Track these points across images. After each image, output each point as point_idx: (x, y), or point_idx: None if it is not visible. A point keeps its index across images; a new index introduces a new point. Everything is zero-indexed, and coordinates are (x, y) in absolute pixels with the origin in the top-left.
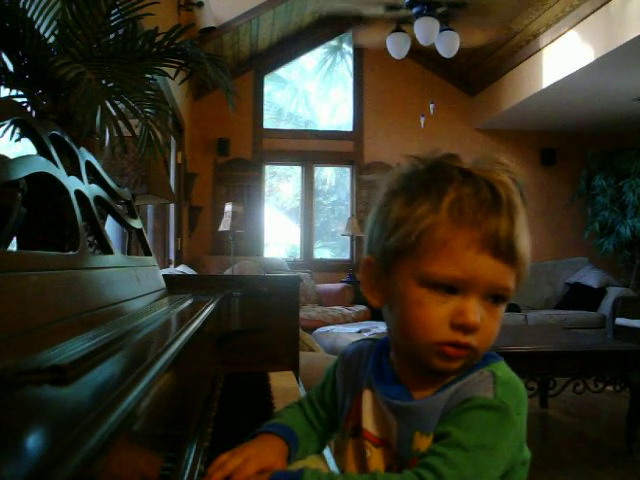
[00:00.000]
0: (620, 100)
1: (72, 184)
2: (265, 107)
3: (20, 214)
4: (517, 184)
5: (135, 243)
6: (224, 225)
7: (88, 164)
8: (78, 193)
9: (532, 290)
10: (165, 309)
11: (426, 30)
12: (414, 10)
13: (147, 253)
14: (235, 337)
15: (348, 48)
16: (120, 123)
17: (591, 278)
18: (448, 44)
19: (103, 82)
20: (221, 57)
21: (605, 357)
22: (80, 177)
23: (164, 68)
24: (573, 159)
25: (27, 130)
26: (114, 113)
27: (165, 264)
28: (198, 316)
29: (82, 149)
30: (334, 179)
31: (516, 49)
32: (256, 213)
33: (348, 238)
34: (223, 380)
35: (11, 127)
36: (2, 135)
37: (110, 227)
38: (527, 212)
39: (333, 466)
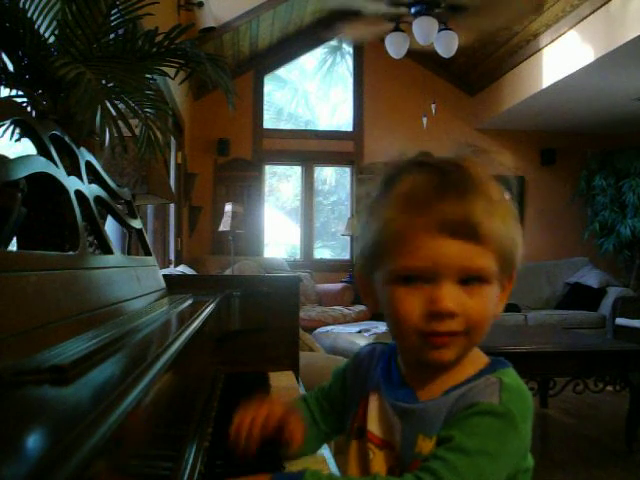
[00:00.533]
0: (620, 100)
1: (72, 184)
2: (265, 107)
3: (20, 214)
4: (495, 167)
5: (135, 243)
6: (224, 225)
7: (88, 164)
8: (78, 193)
9: (532, 290)
10: (165, 309)
11: (424, 30)
12: (412, 10)
13: (147, 253)
14: (235, 337)
15: (348, 48)
16: (120, 123)
17: (591, 278)
18: (447, 44)
19: (103, 82)
20: (221, 57)
21: (605, 357)
22: (80, 177)
23: (164, 68)
24: (573, 159)
25: (27, 130)
26: (114, 113)
27: (165, 264)
28: (198, 316)
29: (82, 149)
30: (334, 179)
31: (516, 49)
32: (256, 213)
33: (348, 238)
34: (223, 380)
35: (11, 127)
36: (2, 135)
37: (110, 227)
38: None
39: (333, 466)
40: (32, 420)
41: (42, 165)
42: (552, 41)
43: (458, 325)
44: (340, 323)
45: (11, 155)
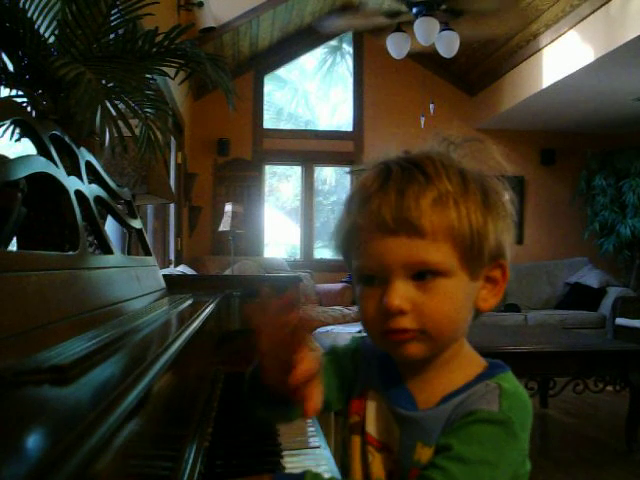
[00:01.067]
0: (620, 100)
1: (72, 184)
2: (265, 107)
3: (20, 214)
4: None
5: (135, 243)
6: (224, 225)
7: (88, 164)
8: (78, 193)
9: (532, 290)
10: (165, 309)
11: (426, 30)
12: (414, 10)
13: (147, 253)
14: (235, 337)
15: (348, 48)
16: (120, 123)
17: (591, 278)
18: (448, 44)
19: (103, 82)
20: (221, 57)
21: (605, 357)
22: (80, 177)
23: (164, 68)
24: (573, 159)
25: (27, 130)
26: (114, 113)
27: (165, 264)
28: (198, 316)
29: (82, 149)
30: (334, 179)
31: (516, 49)
32: (256, 213)
33: None
34: (223, 380)
35: (11, 127)
36: (2, 135)
37: (110, 227)
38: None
39: (333, 466)
40: (32, 420)
41: (42, 165)
42: (552, 41)
43: (410, 322)
44: (340, 323)
45: (11, 155)
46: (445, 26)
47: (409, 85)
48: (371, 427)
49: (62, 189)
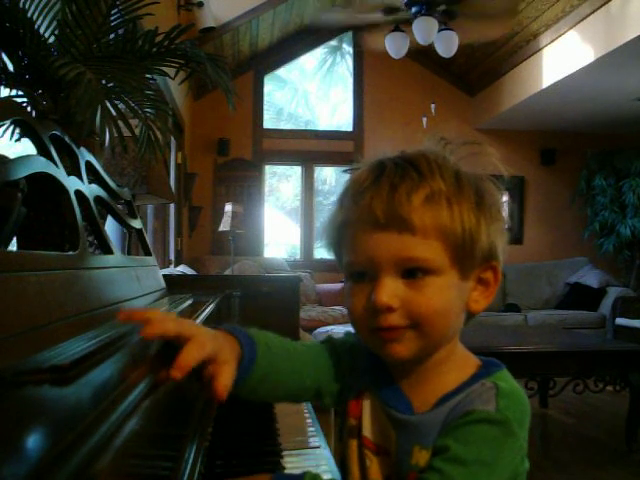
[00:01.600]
0: (620, 100)
1: (72, 184)
2: (265, 107)
3: (20, 214)
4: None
5: (135, 243)
6: (224, 225)
7: (88, 164)
8: (78, 193)
9: (532, 290)
10: (165, 309)
11: (425, 30)
12: (412, 10)
13: (147, 253)
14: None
15: (348, 48)
16: (120, 123)
17: (591, 278)
18: (447, 44)
19: (103, 82)
20: (221, 57)
21: (605, 357)
22: (80, 177)
23: (164, 68)
24: (573, 159)
25: (27, 130)
26: (114, 113)
27: (165, 264)
28: (198, 316)
29: (82, 149)
30: (334, 179)
31: (516, 49)
32: (256, 213)
33: None
34: None
35: (11, 127)
36: (2, 135)
37: (110, 227)
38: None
39: (333, 466)
40: (32, 420)
41: (42, 165)
42: (552, 41)
43: (400, 319)
44: (340, 323)
45: (11, 155)
46: (444, 26)
47: (409, 85)
48: (368, 431)
49: (62, 189)
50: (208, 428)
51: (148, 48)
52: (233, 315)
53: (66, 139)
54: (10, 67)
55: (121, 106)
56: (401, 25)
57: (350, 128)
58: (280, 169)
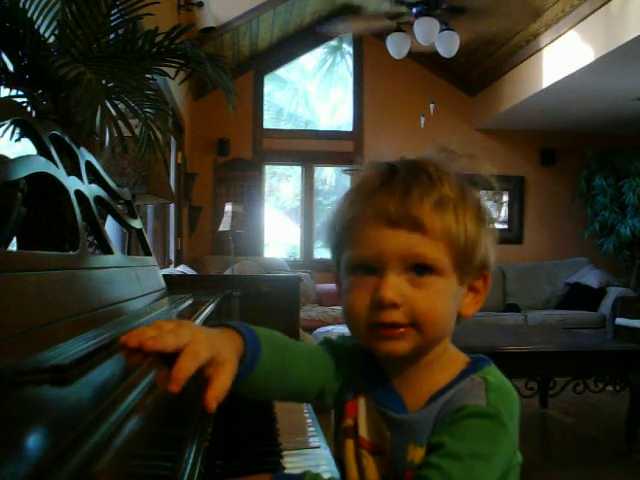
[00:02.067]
0: (620, 100)
1: (72, 184)
2: (265, 107)
3: (20, 214)
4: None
5: (135, 243)
6: (224, 225)
7: (88, 164)
8: (78, 193)
9: (532, 290)
10: (165, 309)
11: (426, 30)
12: (414, 10)
13: (147, 253)
14: None
15: (348, 48)
16: (120, 123)
17: (591, 278)
18: (448, 44)
19: (103, 82)
20: (221, 57)
21: (605, 357)
22: (80, 177)
23: (164, 68)
24: (573, 159)
25: (27, 130)
26: (114, 113)
27: (165, 264)
28: (198, 316)
29: (82, 149)
30: (334, 179)
31: (516, 49)
32: (256, 213)
33: None
34: None
35: (11, 127)
36: (2, 135)
37: (110, 227)
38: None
39: (333, 466)
40: (32, 420)
41: (42, 165)
42: (552, 41)
43: (402, 316)
44: (340, 323)
45: (11, 155)
46: (445, 26)
47: (409, 85)
48: (363, 431)
49: (62, 189)
50: (208, 428)
51: (148, 48)
52: (233, 315)
53: (66, 139)
54: (10, 67)
55: (121, 106)
56: (402, 26)
57: (350, 128)
58: (280, 169)
